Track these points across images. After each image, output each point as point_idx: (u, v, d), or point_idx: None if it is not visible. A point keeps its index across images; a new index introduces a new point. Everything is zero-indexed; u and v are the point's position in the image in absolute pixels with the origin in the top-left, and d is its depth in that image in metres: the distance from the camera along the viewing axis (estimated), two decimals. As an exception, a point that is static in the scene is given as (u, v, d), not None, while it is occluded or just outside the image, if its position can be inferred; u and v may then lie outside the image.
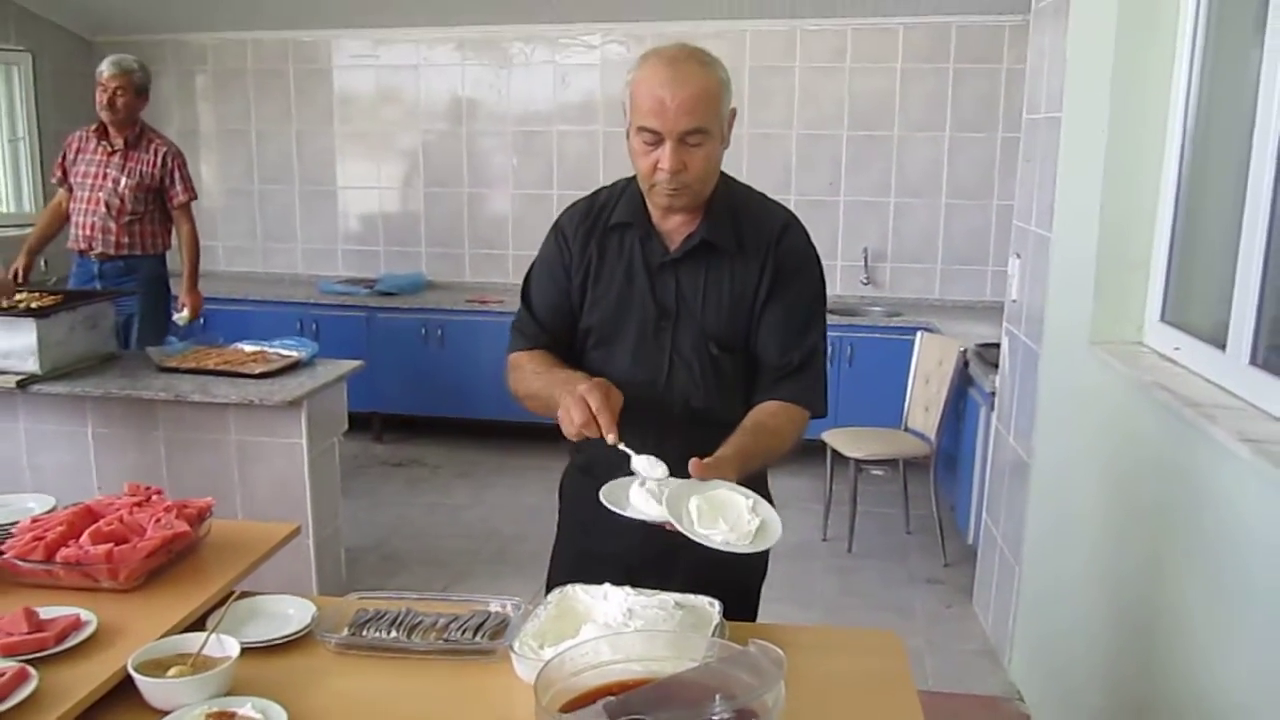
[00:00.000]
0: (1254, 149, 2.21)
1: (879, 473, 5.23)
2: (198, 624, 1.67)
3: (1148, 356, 2.68)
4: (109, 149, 4.52)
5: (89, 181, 4.52)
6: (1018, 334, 3.62)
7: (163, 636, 1.59)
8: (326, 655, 1.64)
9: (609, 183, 1.99)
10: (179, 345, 4.00)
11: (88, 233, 4.53)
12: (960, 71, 5.68)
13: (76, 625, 1.58)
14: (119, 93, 4.44)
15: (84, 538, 1.77)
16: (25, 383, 3.57)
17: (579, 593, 1.69)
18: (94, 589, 1.72)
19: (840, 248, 5.90)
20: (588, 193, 2.01)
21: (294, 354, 3.87)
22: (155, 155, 4.56)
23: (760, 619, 2.03)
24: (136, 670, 1.46)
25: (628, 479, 1.67)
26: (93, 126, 4.57)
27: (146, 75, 4.58)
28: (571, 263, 1.94)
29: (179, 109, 6.52)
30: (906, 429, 4.72)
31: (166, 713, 1.41)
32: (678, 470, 1.65)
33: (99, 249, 4.53)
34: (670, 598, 1.62)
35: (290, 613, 1.74)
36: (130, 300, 4.53)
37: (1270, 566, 1.85)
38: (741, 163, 5.45)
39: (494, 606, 1.74)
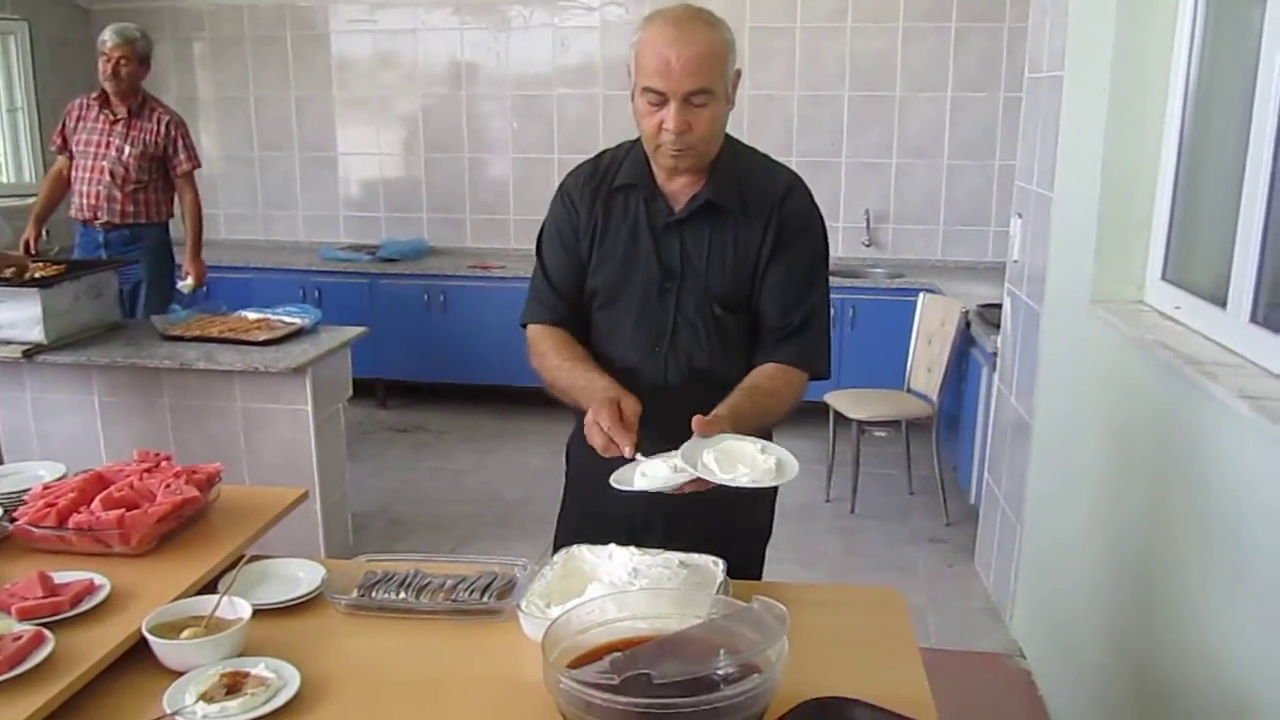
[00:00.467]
0: (1256, 107, 2.20)
1: (881, 434, 5.25)
2: (209, 587, 1.69)
3: (1149, 315, 2.69)
4: (111, 117, 4.51)
5: (92, 150, 4.51)
6: (1019, 294, 3.62)
7: (175, 599, 1.61)
8: (336, 616, 1.67)
9: (611, 145, 2.00)
10: (183, 314, 4.02)
11: (93, 201, 4.53)
12: (962, 30, 5.63)
13: (90, 589, 1.61)
14: (123, 62, 4.43)
15: (95, 504, 1.80)
16: (31, 352, 3.59)
17: (584, 553, 1.71)
18: (106, 554, 1.75)
19: (842, 209, 5.88)
20: (590, 156, 2.01)
21: (297, 321, 3.89)
22: (158, 124, 4.55)
23: (764, 579, 2.05)
24: (151, 633, 1.49)
25: (631, 464, 1.70)
26: (93, 94, 4.56)
27: (149, 43, 4.57)
28: (579, 224, 1.94)
29: (177, 76, 6.49)
30: (909, 390, 4.73)
31: (181, 673, 1.44)
32: (683, 435, 1.67)
33: (104, 218, 4.53)
34: (675, 557, 1.64)
35: (300, 575, 1.77)
36: (135, 268, 4.54)
37: (1269, 522, 1.87)
38: (742, 124, 5.42)
39: (501, 567, 1.76)
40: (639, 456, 1.68)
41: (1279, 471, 1.83)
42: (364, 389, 5.17)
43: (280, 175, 6.56)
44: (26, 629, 1.45)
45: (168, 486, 1.87)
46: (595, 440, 1.70)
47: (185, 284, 4.73)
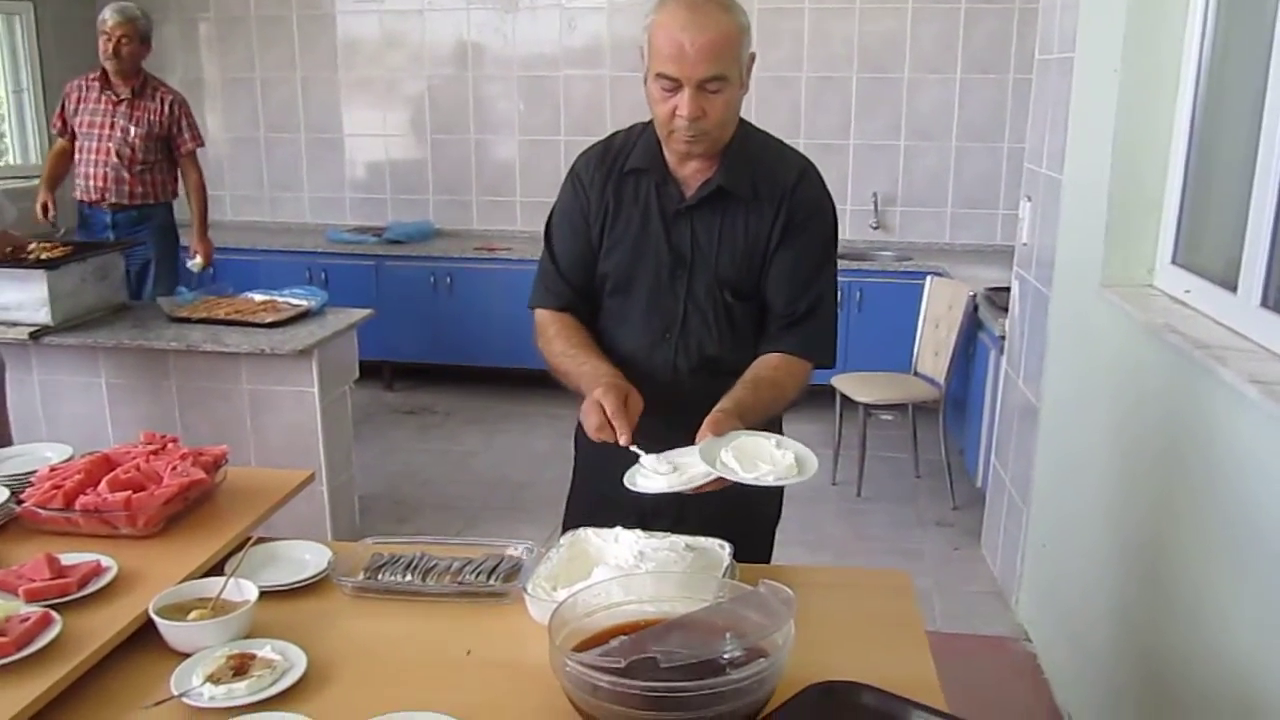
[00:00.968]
0: (1269, 90, 2.18)
1: (888, 417, 5.24)
2: (216, 569, 1.70)
3: (1158, 299, 2.67)
4: (114, 98, 4.49)
5: (96, 131, 4.50)
6: (1028, 277, 3.60)
7: (182, 581, 1.61)
8: (343, 599, 1.67)
9: (619, 127, 1.98)
10: (189, 295, 4.02)
11: (100, 183, 4.52)
12: (971, 11, 5.59)
13: (97, 571, 1.61)
14: (124, 41, 4.41)
15: (102, 485, 1.80)
16: (38, 334, 3.60)
17: (590, 536, 1.71)
18: (113, 536, 1.75)
19: (850, 192, 5.85)
20: (596, 138, 1.99)
21: (304, 303, 3.89)
22: (162, 104, 4.54)
23: (773, 561, 2.05)
24: (158, 614, 1.49)
25: (635, 466, 1.69)
26: (92, 75, 4.54)
27: (149, 22, 4.55)
28: (590, 208, 1.93)
29: (182, 57, 6.47)
30: (916, 373, 4.72)
31: (188, 655, 1.44)
32: (691, 422, 1.66)
33: (112, 199, 4.53)
34: (681, 540, 1.64)
35: (306, 558, 1.77)
36: (143, 249, 4.55)
37: (1277, 505, 1.86)
38: (751, 105, 5.35)
39: (507, 550, 1.76)
40: (638, 451, 1.67)
41: (1289, 456, 1.82)
42: (370, 371, 5.18)
43: (286, 157, 6.55)
44: (34, 610, 1.45)
45: (174, 468, 1.87)
46: (590, 419, 1.69)
47: (195, 263, 4.73)
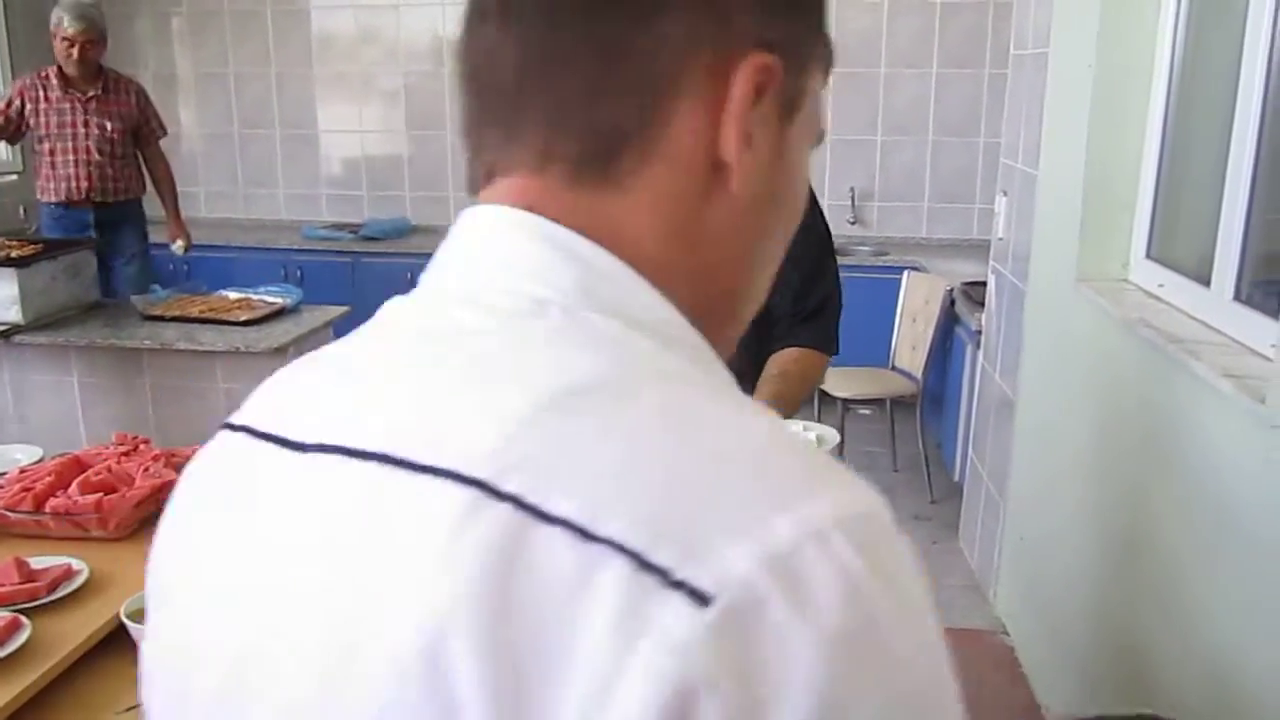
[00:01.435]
0: (1240, 86, 2.20)
1: (866, 411, 5.26)
2: (189, 571, 1.68)
3: (1133, 293, 2.69)
4: (82, 95, 4.42)
5: (70, 131, 4.42)
6: (1004, 272, 3.62)
7: (155, 584, 1.59)
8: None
9: None
10: (163, 293, 3.98)
11: (84, 183, 4.45)
12: (947, 6, 5.61)
13: (68, 575, 1.59)
14: (87, 46, 4.32)
15: (73, 488, 1.78)
16: (8, 333, 3.55)
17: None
18: (84, 539, 1.73)
19: (827, 187, 5.86)
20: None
21: (279, 301, 3.85)
22: (130, 95, 4.52)
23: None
24: (129, 618, 1.47)
25: None
26: (42, 73, 4.42)
27: (103, 17, 4.49)
28: None
29: (155, 51, 6.40)
30: (893, 368, 4.74)
31: (161, 659, 1.43)
32: None
33: (99, 197, 4.49)
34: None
35: (281, 559, 1.75)
36: (130, 243, 4.56)
37: (1252, 500, 1.88)
38: (727, 102, 5.38)
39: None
40: None
41: (1261, 449, 1.83)
42: (347, 369, 5.14)
43: (261, 153, 6.49)
44: (3, 615, 1.44)
45: (146, 470, 1.85)
46: None
47: (178, 245, 4.74)
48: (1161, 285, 2.61)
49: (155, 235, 4.81)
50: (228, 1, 6.29)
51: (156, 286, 4.12)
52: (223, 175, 6.55)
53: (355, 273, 5.83)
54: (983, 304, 3.97)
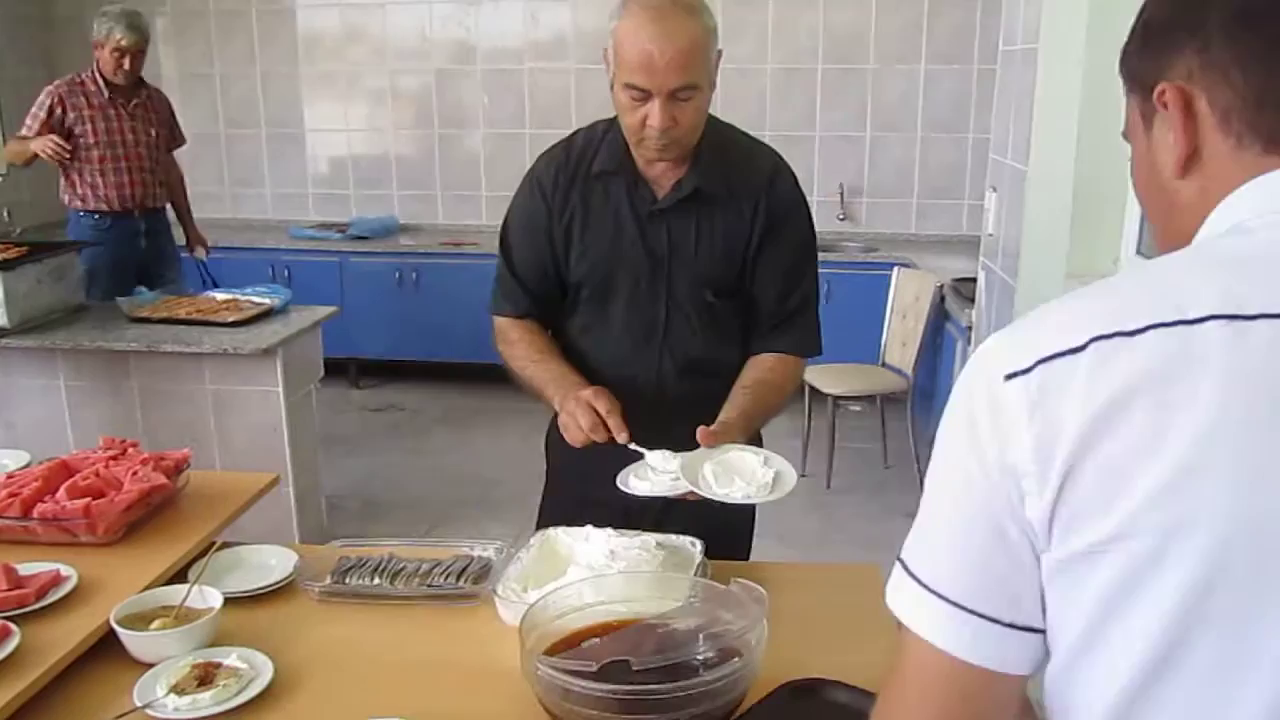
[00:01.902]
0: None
1: (857, 408, 5.26)
2: (179, 576, 1.67)
3: (1123, 289, 2.69)
4: (125, 104, 4.38)
5: (119, 139, 4.37)
6: (994, 268, 3.62)
7: (144, 590, 1.58)
8: (310, 604, 1.65)
9: (586, 119, 1.94)
10: (149, 295, 3.96)
11: (137, 189, 4.44)
12: (936, 2, 5.61)
13: (57, 581, 1.57)
14: (138, 56, 4.31)
15: (60, 493, 1.76)
16: (-6, 336, 3.53)
17: (560, 535, 1.70)
18: (72, 544, 1.71)
19: (816, 183, 5.86)
20: (562, 131, 1.96)
21: (266, 301, 3.84)
22: (161, 101, 4.56)
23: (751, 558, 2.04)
24: (119, 624, 1.46)
25: (637, 464, 1.68)
26: (77, 79, 4.33)
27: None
28: (552, 216, 1.87)
29: (140, 52, 6.36)
30: (884, 365, 4.74)
31: (151, 665, 1.41)
32: (680, 426, 1.66)
33: (151, 204, 4.52)
34: (652, 538, 1.63)
35: (272, 563, 1.74)
36: (172, 250, 4.69)
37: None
38: (716, 98, 5.33)
39: (476, 551, 1.74)
40: (640, 449, 1.66)
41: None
42: (336, 369, 5.13)
43: (247, 152, 6.46)
44: (-9, 622, 1.42)
45: (135, 474, 1.83)
46: (583, 420, 1.67)
47: (199, 252, 4.86)
48: (1151, 280, 2.61)
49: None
50: (212, 2, 6.25)
51: (142, 289, 4.07)
52: (209, 175, 6.50)
53: (344, 272, 5.81)
54: (973, 300, 3.97)
